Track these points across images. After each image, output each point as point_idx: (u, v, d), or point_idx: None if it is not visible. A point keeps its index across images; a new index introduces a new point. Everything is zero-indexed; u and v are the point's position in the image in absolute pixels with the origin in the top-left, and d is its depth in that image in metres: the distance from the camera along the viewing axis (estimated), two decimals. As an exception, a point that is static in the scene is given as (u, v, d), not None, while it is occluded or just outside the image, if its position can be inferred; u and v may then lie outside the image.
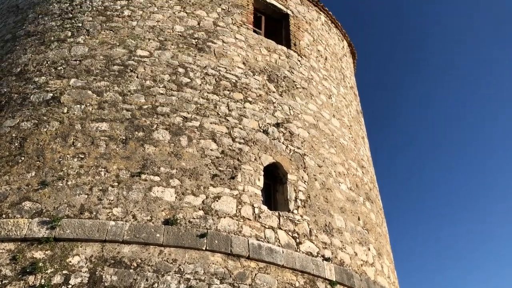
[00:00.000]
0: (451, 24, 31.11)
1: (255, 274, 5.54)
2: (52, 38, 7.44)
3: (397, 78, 31.78)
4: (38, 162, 5.59)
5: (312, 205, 6.78)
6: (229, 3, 8.72)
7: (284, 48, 8.76)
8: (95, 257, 4.87)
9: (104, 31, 7.43)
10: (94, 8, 7.92)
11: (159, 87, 6.68)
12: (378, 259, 7.68)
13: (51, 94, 6.40)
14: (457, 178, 30.85)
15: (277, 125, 7.12)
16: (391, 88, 31.97)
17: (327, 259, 6.49)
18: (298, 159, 7.06)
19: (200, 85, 6.97)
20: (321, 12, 10.90)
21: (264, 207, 6.22)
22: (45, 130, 5.95)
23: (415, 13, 31.56)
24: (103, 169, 5.60)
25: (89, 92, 6.43)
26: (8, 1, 9.57)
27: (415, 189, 31.41)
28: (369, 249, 7.48)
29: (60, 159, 5.62)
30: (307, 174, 6.98)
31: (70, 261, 4.77)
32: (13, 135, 5.91)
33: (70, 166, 5.56)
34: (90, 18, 7.70)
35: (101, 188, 5.44)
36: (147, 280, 4.83)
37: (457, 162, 31.20)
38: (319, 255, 6.46)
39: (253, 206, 6.10)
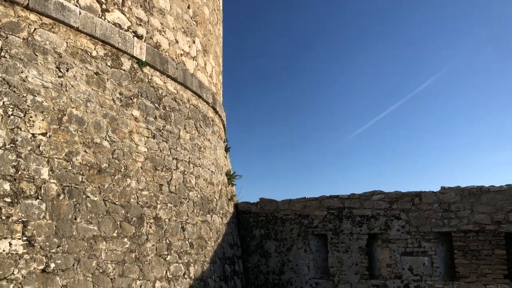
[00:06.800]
0: None
1: (34, 29, 4.41)
2: None
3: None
4: None
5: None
6: None
7: None
8: None
9: None
10: None
11: None
12: (203, 55, 7.17)
13: None
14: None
15: None
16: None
17: (139, 37, 5.65)
18: None
19: None
20: None
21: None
22: None
23: None
24: None
25: None
26: None
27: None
28: (193, 42, 6.84)
29: None
30: None
31: None
32: None
33: None
34: None
35: None
36: None
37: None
38: (130, 30, 5.55)
39: None
